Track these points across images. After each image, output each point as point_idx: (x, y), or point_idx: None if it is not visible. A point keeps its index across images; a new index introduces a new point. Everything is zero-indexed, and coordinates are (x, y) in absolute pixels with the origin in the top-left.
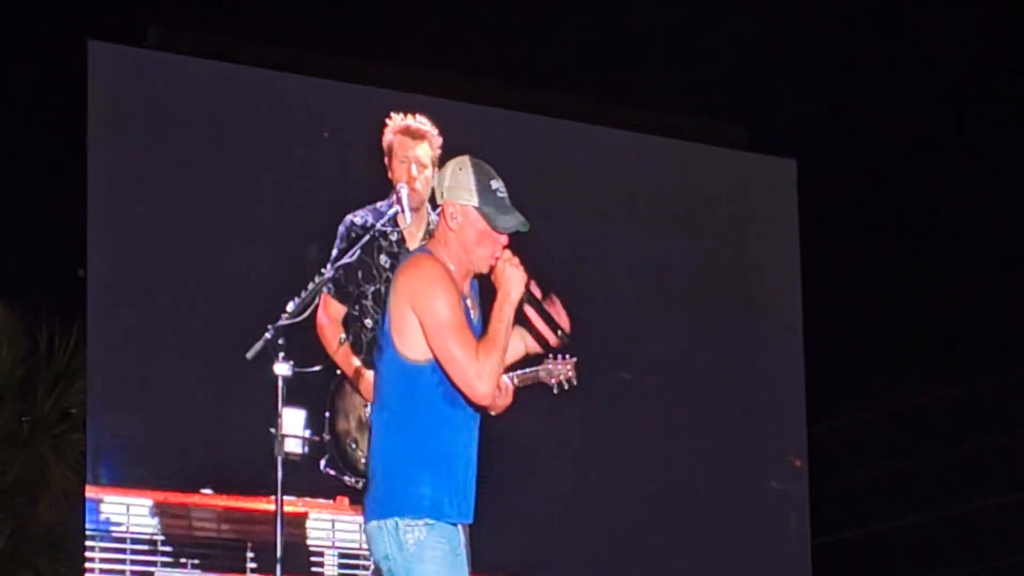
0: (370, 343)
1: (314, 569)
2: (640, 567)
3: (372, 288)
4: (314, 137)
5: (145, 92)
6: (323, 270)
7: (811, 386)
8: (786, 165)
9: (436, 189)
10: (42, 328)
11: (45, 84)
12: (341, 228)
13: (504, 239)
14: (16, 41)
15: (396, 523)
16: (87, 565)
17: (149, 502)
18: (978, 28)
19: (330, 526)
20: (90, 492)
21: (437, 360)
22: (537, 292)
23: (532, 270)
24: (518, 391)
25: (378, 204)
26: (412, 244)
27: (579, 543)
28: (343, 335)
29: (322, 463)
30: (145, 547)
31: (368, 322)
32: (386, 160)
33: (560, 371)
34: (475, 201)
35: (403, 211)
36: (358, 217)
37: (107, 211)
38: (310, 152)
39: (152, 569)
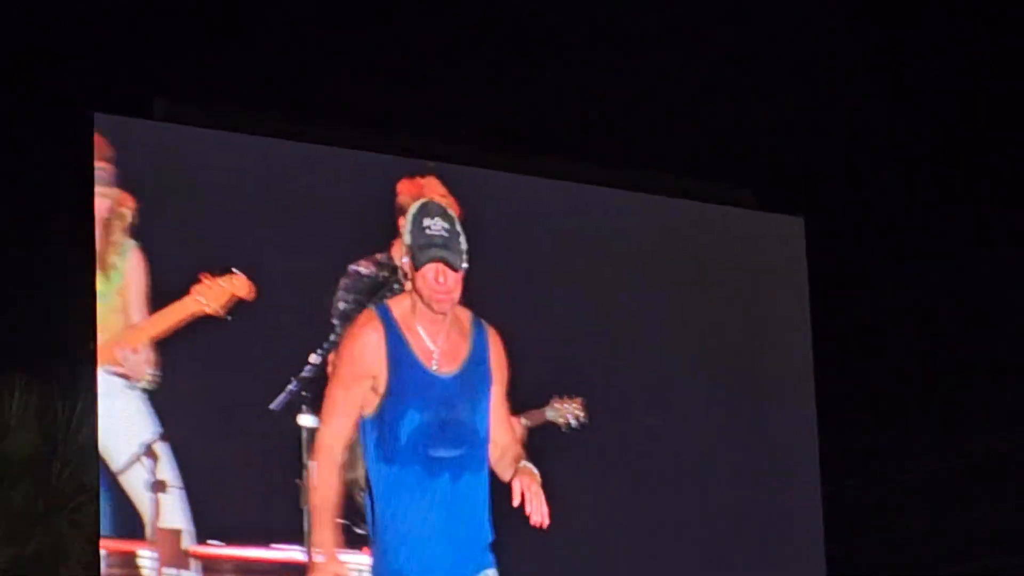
0: None
1: None
2: None
3: None
4: (322, 200)
5: (151, 163)
6: (334, 322)
7: (824, 444)
8: (794, 223)
9: None
10: (59, 402)
11: (50, 159)
12: (345, 280)
13: (441, 277)
14: (20, 118)
15: None
16: None
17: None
18: (979, 80)
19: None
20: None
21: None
22: None
23: (548, 328)
24: (530, 431)
25: (378, 256)
26: None
27: None
28: None
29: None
30: None
31: None
32: (401, 220)
33: (568, 410)
34: (408, 240)
35: None
36: (362, 267)
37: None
38: (319, 214)
39: None
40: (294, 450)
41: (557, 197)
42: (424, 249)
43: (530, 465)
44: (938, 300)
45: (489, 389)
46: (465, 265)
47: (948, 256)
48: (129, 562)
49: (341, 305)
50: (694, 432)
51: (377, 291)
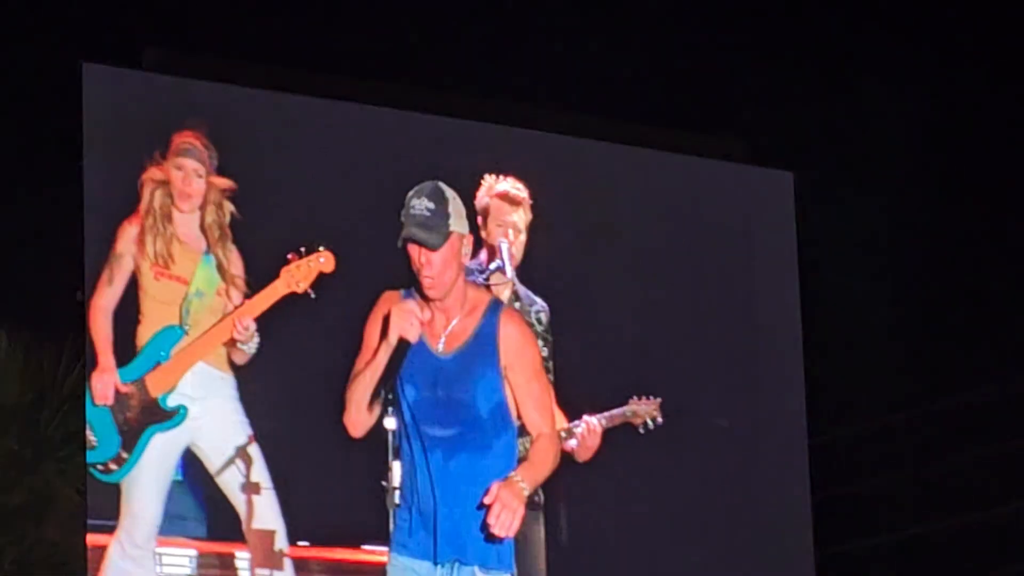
0: None
1: None
2: None
3: None
4: (317, 156)
5: (141, 114)
6: None
7: (810, 399)
8: (783, 178)
9: None
10: (45, 352)
11: (39, 107)
12: None
13: (428, 259)
14: (9, 64)
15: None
16: None
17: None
18: (975, 42)
19: None
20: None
21: None
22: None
23: (542, 283)
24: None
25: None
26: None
27: None
28: None
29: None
30: None
31: None
32: (479, 220)
33: (645, 411)
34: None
35: (503, 266)
36: None
37: (104, 232)
38: (313, 171)
39: None
40: (381, 449)
41: (546, 149)
42: (404, 228)
43: (520, 480)
44: (924, 256)
45: (495, 369)
46: (465, 248)
47: (936, 213)
48: (227, 563)
49: None
50: (685, 387)
51: None
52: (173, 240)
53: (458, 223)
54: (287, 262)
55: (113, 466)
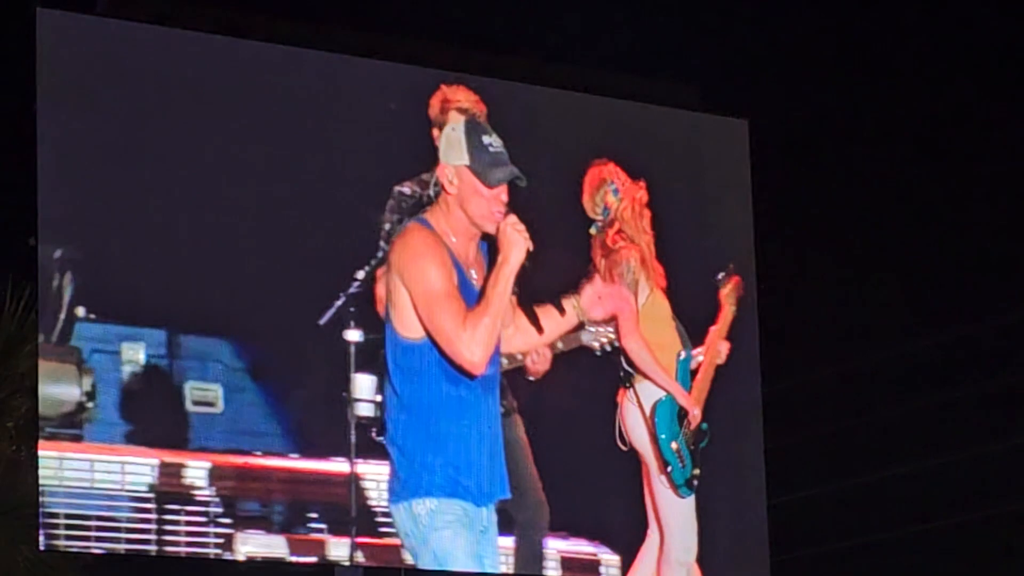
0: None
1: (385, 530)
2: None
3: None
4: (296, 105)
5: (95, 60)
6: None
7: (764, 348)
8: (738, 126)
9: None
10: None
11: None
12: (391, 201)
13: (503, 195)
14: None
15: (410, 503)
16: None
17: (207, 464)
18: None
19: None
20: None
21: (428, 333)
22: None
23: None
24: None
25: (423, 175)
26: None
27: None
28: None
29: (373, 431)
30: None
31: None
32: (435, 132)
33: (603, 333)
34: (466, 160)
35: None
36: (407, 188)
37: (58, 179)
38: (273, 119)
39: (221, 530)
40: (341, 364)
41: (500, 97)
42: (495, 167)
43: None
44: (877, 205)
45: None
46: None
47: (888, 161)
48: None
49: (386, 226)
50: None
51: (418, 208)
52: None
53: None
54: None
55: None
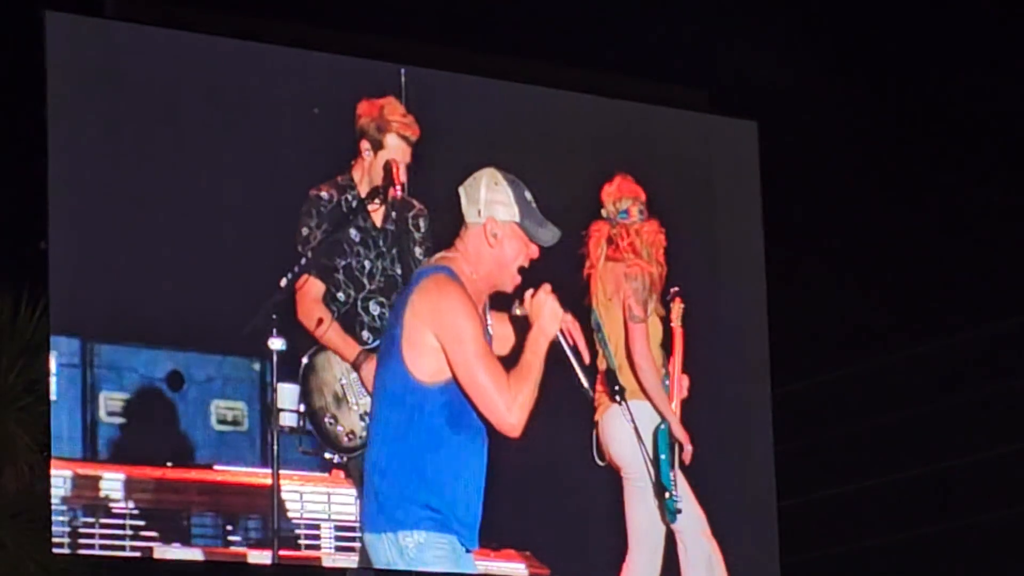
0: (361, 325)
1: (308, 543)
2: None
3: (343, 263)
4: (279, 108)
5: (105, 63)
6: (299, 248)
7: (774, 349)
8: (747, 128)
9: (467, 205)
10: (5, 299)
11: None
12: (305, 205)
13: (534, 252)
14: None
15: (396, 535)
16: (55, 539)
17: (123, 476)
18: None
19: (326, 499)
20: (63, 465)
21: (461, 386)
22: (572, 336)
23: None
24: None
25: (338, 178)
26: (378, 221)
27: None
28: (329, 315)
29: (299, 446)
30: (126, 520)
31: (341, 296)
32: (364, 142)
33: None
34: (516, 216)
35: (397, 187)
36: (323, 192)
37: (69, 184)
38: (276, 124)
39: (139, 543)
40: (264, 373)
41: (509, 99)
42: (542, 226)
43: None
44: (888, 207)
45: None
46: None
47: (899, 164)
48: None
49: (304, 231)
50: None
51: (344, 218)
52: None
53: None
54: None
55: None
